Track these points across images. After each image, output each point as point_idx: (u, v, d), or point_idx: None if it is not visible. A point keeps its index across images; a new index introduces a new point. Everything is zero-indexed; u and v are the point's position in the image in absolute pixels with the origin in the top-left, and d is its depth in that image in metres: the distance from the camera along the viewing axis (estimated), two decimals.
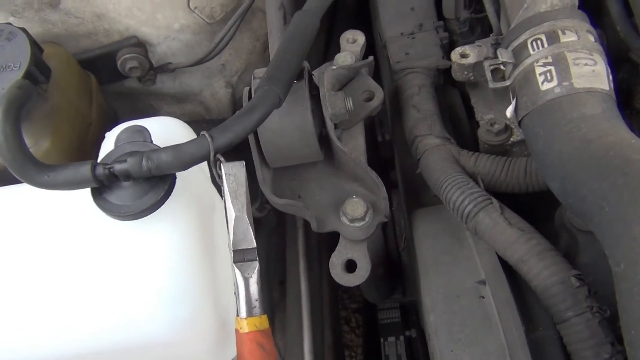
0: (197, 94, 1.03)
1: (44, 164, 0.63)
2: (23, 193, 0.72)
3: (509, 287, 0.63)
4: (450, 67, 0.90)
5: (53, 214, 0.71)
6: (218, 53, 0.93)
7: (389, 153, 1.15)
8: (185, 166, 0.62)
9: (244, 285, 0.54)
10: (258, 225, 1.11)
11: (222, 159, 0.59)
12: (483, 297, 0.64)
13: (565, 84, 0.61)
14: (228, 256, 0.78)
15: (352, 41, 0.91)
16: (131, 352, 0.72)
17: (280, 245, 1.19)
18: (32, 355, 0.68)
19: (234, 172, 0.58)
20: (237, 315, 0.55)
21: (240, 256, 0.55)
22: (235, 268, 0.55)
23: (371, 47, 0.97)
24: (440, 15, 0.99)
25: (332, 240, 1.27)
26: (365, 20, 1.24)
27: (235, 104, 1.08)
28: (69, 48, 0.85)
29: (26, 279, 0.67)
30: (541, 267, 0.61)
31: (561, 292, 0.60)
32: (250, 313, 0.54)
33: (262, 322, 0.54)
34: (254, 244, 0.56)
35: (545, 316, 0.62)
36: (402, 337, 1.20)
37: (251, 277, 0.55)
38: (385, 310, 1.26)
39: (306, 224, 1.16)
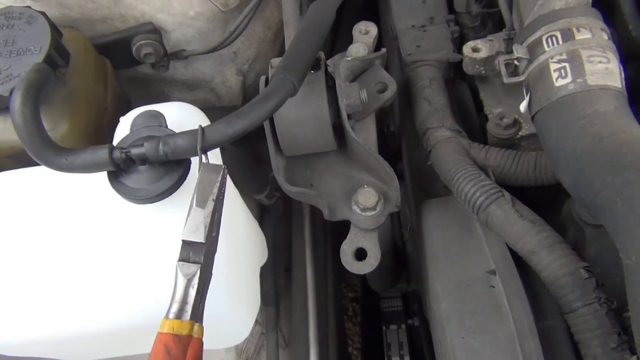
0: (209, 81, 1.04)
1: (62, 148, 0.64)
2: (41, 175, 0.73)
3: (519, 277, 0.65)
4: (459, 61, 0.92)
5: (70, 197, 0.72)
6: (232, 41, 0.94)
7: (393, 144, 1.17)
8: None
9: (183, 285, 0.52)
10: (265, 212, 1.13)
11: (205, 159, 0.60)
12: (493, 287, 0.66)
13: (579, 80, 0.63)
14: (241, 239, 0.79)
15: (365, 32, 0.92)
16: (145, 334, 0.73)
17: (286, 233, 1.21)
18: (46, 333, 0.69)
19: (209, 170, 0.58)
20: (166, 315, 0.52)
21: (186, 254, 0.54)
22: (178, 266, 0.53)
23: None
24: (451, 9, 1.00)
25: (337, 229, 1.29)
26: (371, 12, 1.25)
27: (246, 91, 1.09)
28: (85, 33, 0.86)
29: (42, 261, 0.69)
30: (551, 259, 0.63)
31: (570, 284, 0.61)
32: (175, 315, 0.51)
33: (182, 327, 0.50)
34: (203, 240, 0.54)
35: (554, 306, 0.64)
36: (403, 326, 1.22)
37: (191, 279, 0.53)
38: (388, 299, 1.28)
39: (312, 213, 1.18)
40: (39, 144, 0.64)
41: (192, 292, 0.52)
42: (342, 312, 1.59)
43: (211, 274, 0.56)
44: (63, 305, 0.68)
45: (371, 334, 1.46)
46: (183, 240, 0.54)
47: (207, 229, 0.54)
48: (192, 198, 0.55)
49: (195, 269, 0.53)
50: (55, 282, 0.68)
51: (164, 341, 0.48)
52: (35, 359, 0.81)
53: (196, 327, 0.53)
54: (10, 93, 0.70)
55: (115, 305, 0.67)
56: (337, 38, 1.32)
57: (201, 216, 0.54)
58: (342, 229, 1.25)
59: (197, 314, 0.52)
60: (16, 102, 0.63)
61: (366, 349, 1.66)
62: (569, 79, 0.63)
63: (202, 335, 0.53)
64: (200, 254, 0.53)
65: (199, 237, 0.54)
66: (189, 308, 0.51)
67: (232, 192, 0.79)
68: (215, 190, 0.56)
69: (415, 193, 0.93)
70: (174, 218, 0.67)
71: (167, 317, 0.50)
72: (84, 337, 0.69)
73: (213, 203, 0.55)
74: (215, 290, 0.67)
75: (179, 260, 0.53)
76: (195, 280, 0.52)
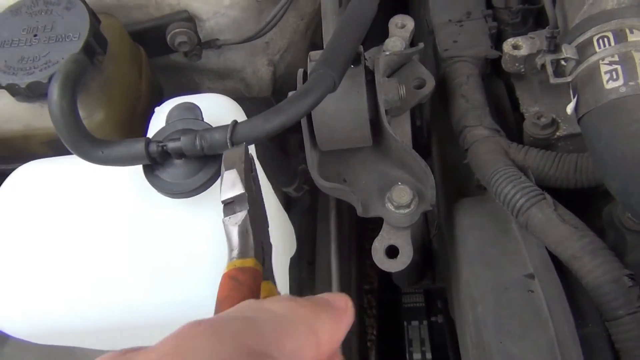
0: (240, 70, 1.03)
1: (98, 140, 0.64)
2: (76, 165, 0.73)
3: (559, 283, 0.64)
4: (496, 58, 0.90)
5: (105, 188, 0.71)
6: (267, 32, 0.93)
7: (420, 139, 1.15)
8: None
9: (237, 232, 0.48)
10: (291, 205, 1.13)
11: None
12: (532, 291, 0.65)
13: (631, 83, 0.61)
14: (272, 230, 0.79)
15: (402, 26, 0.90)
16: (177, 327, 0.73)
17: (311, 226, 1.20)
18: (78, 324, 0.69)
19: (232, 152, 0.55)
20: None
21: (230, 210, 0.50)
22: (224, 221, 0.49)
23: None
24: (489, 4, 0.98)
25: (360, 224, 1.29)
26: (398, 6, 1.22)
27: (275, 82, 1.08)
28: (120, 19, 0.85)
29: (75, 252, 0.68)
30: (594, 265, 0.62)
31: (613, 291, 0.60)
32: (236, 257, 0.47)
33: (245, 262, 0.46)
34: (243, 189, 0.50)
35: (594, 313, 0.63)
36: (425, 322, 1.22)
37: (244, 224, 0.48)
38: (409, 295, 1.28)
39: (338, 207, 1.17)
40: (75, 136, 0.64)
41: (249, 237, 0.48)
42: (363, 307, 1.59)
43: (266, 218, 0.53)
44: (95, 296, 0.67)
45: (387, 327, 1.46)
46: (223, 202, 0.51)
47: (244, 182, 0.51)
48: (222, 168, 0.53)
49: (243, 214, 0.49)
50: (88, 274, 0.68)
51: (228, 275, 0.43)
52: (63, 348, 0.81)
53: (269, 285, 0.47)
54: (49, 80, 0.70)
55: (149, 298, 0.67)
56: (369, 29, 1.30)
57: (234, 174, 0.52)
58: (368, 224, 1.25)
59: (261, 256, 0.48)
60: (54, 94, 0.63)
61: (381, 342, 1.66)
62: (620, 82, 0.61)
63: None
64: (244, 204, 0.50)
65: (238, 190, 0.50)
66: (249, 250, 0.47)
67: (263, 183, 0.78)
68: (242, 156, 0.54)
69: (447, 191, 0.92)
70: (210, 213, 0.67)
71: (228, 262, 0.46)
72: (117, 329, 0.69)
73: (242, 164, 0.53)
74: None
75: (224, 217, 0.50)
76: (247, 224, 0.48)
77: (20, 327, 0.69)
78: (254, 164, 0.57)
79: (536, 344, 0.60)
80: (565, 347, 0.59)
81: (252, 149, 0.77)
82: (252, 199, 0.51)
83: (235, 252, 0.47)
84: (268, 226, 0.54)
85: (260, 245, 0.48)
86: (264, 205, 0.55)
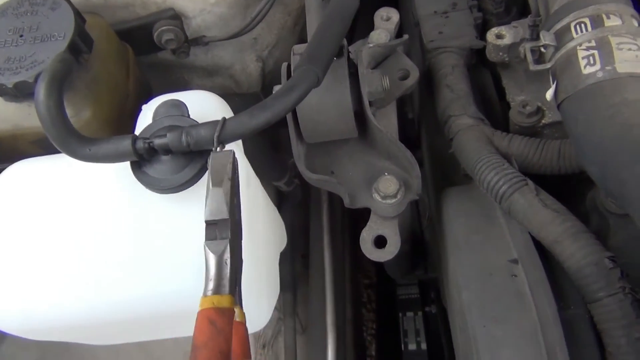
0: (228, 67, 1.04)
1: (86, 138, 0.65)
2: (65, 163, 0.73)
3: (542, 267, 0.65)
4: (482, 48, 0.91)
5: (94, 185, 0.72)
6: (253, 27, 0.93)
7: (412, 132, 1.16)
8: (218, 143, 0.63)
9: (214, 262, 0.51)
10: (283, 199, 1.14)
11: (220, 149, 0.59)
12: (515, 276, 0.66)
13: (608, 68, 0.62)
14: (261, 226, 0.79)
15: (387, 19, 0.91)
16: (165, 321, 0.74)
17: (304, 219, 1.21)
18: (73, 319, 0.70)
19: (219, 156, 0.57)
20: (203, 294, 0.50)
21: (212, 234, 0.52)
22: (206, 246, 0.52)
23: None
24: None
25: (353, 216, 1.30)
26: None
27: (265, 78, 1.09)
28: (107, 19, 0.86)
29: (66, 248, 0.69)
30: (575, 248, 0.62)
31: (594, 273, 0.61)
32: (213, 292, 0.49)
33: (223, 300, 0.48)
34: (227, 215, 0.52)
35: (576, 296, 0.64)
36: (420, 313, 1.23)
37: (222, 255, 0.51)
38: (404, 286, 1.29)
39: (330, 200, 1.18)
40: (62, 134, 0.65)
41: (226, 268, 0.50)
42: (359, 300, 1.60)
43: (241, 249, 0.55)
44: (88, 291, 0.68)
45: (386, 321, 1.47)
46: (206, 222, 0.53)
47: (228, 205, 0.53)
48: (208, 181, 0.55)
49: (224, 244, 0.51)
50: (80, 270, 0.69)
51: (206, 316, 0.46)
52: (60, 344, 0.82)
53: (237, 310, 0.51)
54: (35, 79, 0.71)
55: (139, 292, 0.68)
56: (356, 24, 1.31)
57: (221, 194, 0.53)
58: (360, 215, 1.25)
59: (235, 291, 0.51)
60: (40, 93, 0.64)
61: (380, 336, 1.67)
62: (597, 67, 0.62)
63: (245, 320, 0.53)
64: (226, 230, 0.52)
65: (223, 214, 0.52)
66: (225, 283, 0.50)
67: (252, 178, 0.79)
68: (229, 170, 0.56)
69: (435, 181, 0.93)
70: (196, 208, 0.68)
71: (204, 295, 0.49)
72: (108, 323, 0.70)
73: (229, 182, 0.55)
74: None
75: (206, 241, 0.52)
76: (227, 256, 0.51)
77: (14, 324, 0.70)
78: (237, 164, 0.58)
79: (519, 326, 0.61)
80: (547, 329, 0.60)
81: (239, 145, 0.78)
82: (233, 225, 0.53)
83: (211, 285, 0.50)
84: (242, 238, 0.56)
85: (234, 276, 0.51)
86: (240, 214, 0.57)
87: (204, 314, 0.47)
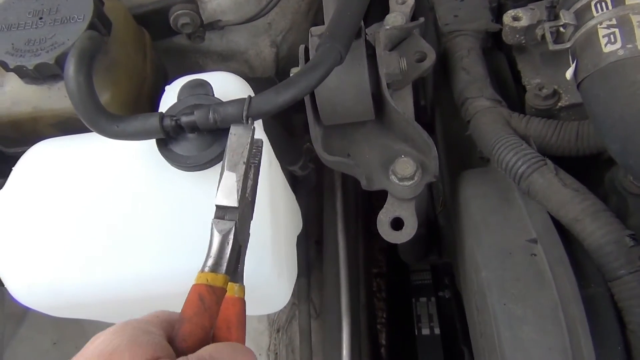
0: (243, 52, 1.04)
1: (114, 115, 0.66)
2: (89, 142, 0.74)
3: (562, 245, 0.65)
4: (498, 31, 0.90)
5: (119, 164, 0.73)
6: (268, 12, 0.94)
7: (423, 118, 1.16)
8: (246, 118, 0.63)
9: (218, 241, 0.51)
10: (297, 184, 1.14)
11: (252, 127, 0.59)
12: (535, 255, 0.66)
13: (629, 46, 0.62)
14: (281, 207, 0.79)
15: (402, 2, 0.91)
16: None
17: (317, 204, 1.21)
18: (92, 296, 0.71)
19: (238, 133, 0.57)
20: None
21: (221, 213, 0.53)
22: (213, 223, 0.52)
23: None
24: None
25: (367, 204, 1.30)
26: None
27: (279, 63, 1.09)
28: (124, 2, 0.86)
29: (90, 225, 0.70)
30: (595, 227, 0.63)
31: (615, 251, 0.61)
32: (210, 269, 0.50)
33: (216, 279, 0.49)
34: (236, 204, 0.53)
35: (597, 274, 0.64)
36: (433, 298, 1.23)
37: (226, 235, 0.52)
38: (417, 272, 1.29)
39: (344, 185, 1.18)
40: (92, 111, 0.65)
41: (227, 249, 0.51)
42: (372, 286, 1.61)
43: (248, 235, 0.56)
44: (113, 268, 0.69)
45: (396, 309, 1.48)
46: (216, 205, 0.53)
47: (239, 192, 0.53)
48: (223, 162, 0.55)
49: (230, 226, 0.52)
50: (103, 246, 0.70)
51: (197, 291, 0.48)
52: (75, 324, 0.83)
53: (237, 287, 0.53)
54: (56, 61, 0.72)
55: (164, 269, 0.68)
56: (370, 8, 1.30)
57: (233, 180, 0.54)
58: (374, 200, 1.25)
59: (234, 272, 0.52)
60: (70, 69, 0.65)
61: (390, 324, 1.68)
62: (618, 45, 0.62)
63: (244, 295, 0.54)
64: (234, 216, 0.53)
65: (232, 202, 0.53)
66: (223, 263, 0.50)
67: (273, 161, 0.80)
68: (246, 153, 0.56)
69: (450, 166, 0.93)
70: None
71: (202, 270, 0.50)
72: (133, 300, 0.70)
73: (244, 166, 0.55)
74: (261, 253, 0.68)
75: (214, 218, 0.53)
76: (231, 237, 0.52)
77: (41, 301, 0.71)
78: (262, 145, 0.59)
79: (539, 304, 0.61)
80: (568, 307, 0.60)
81: (259, 125, 0.78)
82: (242, 212, 0.53)
83: (210, 262, 0.51)
84: (252, 219, 0.56)
85: (234, 259, 0.52)
86: (255, 194, 0.57)
87: (195, 289, 0.48)
